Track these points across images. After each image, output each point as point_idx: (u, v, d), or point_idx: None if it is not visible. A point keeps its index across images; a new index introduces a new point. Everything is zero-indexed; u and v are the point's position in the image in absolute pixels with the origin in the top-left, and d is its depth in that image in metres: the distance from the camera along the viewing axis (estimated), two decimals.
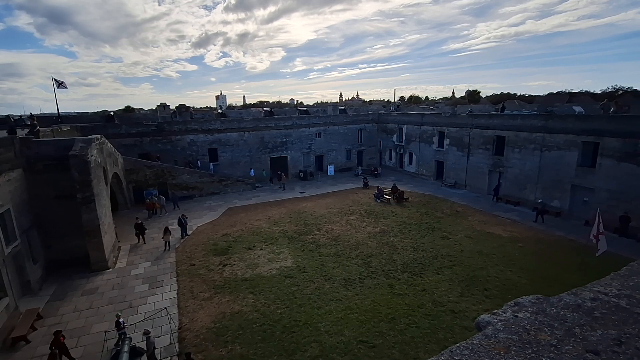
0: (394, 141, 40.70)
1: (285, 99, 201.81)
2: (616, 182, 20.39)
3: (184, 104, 42.27)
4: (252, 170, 34.55)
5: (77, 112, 64.49)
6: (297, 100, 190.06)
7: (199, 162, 33.27)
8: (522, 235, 20.25)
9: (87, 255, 17.38)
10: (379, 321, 12.45)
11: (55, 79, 30.12)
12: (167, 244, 20.28)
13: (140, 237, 21.07)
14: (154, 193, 28.08)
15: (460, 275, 15.66)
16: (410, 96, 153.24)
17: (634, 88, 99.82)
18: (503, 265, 16.60)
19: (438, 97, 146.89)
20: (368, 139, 42.93)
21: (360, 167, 39.73)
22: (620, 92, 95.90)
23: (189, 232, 22.38)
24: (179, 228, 21.82)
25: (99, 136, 20.18)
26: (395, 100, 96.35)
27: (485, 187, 29.19)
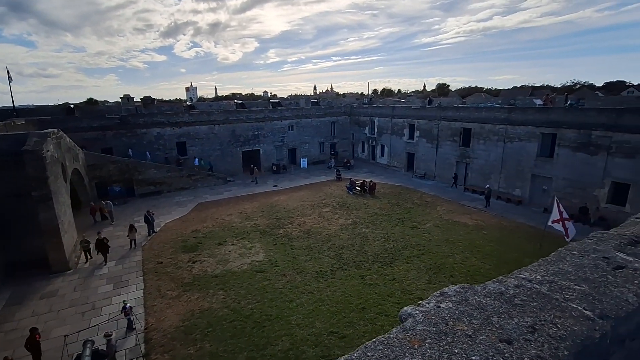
0: (366, 133, 41.08)
1: (258, 91, 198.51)
2: (572, 171, 21.67)
3: (150, 96, 40.54)
4: (197, 159, 33.14)
5: (35, 105, 60.16)
6: (271, 93, 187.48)
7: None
8: (486, 223, 21.14)
9: (47, 256, 16.40)
10: (349, 311, 12.62)
11: (8, 71, 27.86)
12: (133, 242, 19.50)
13: (102, 255, 17.72)
14: (116, 189, 26.87)
15: (428, 264, 16.15)
16: (383, 89, 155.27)
17: (590, 82, 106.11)
18: (468, 252, 17.27)
19: (410, 90, 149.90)
20: (341, 131, 43.06)
21: (333, 160, 39.85)
22: (578, 86, 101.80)
23: (157, 229, 21.62)
24: (146, 225, 21.04)
25: (55, 130, 18.92)
26: (369, 93, 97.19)
27: (453, 178, 30.13)
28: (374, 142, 40.18)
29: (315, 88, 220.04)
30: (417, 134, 33.74)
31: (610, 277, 1.58)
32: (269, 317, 12.47)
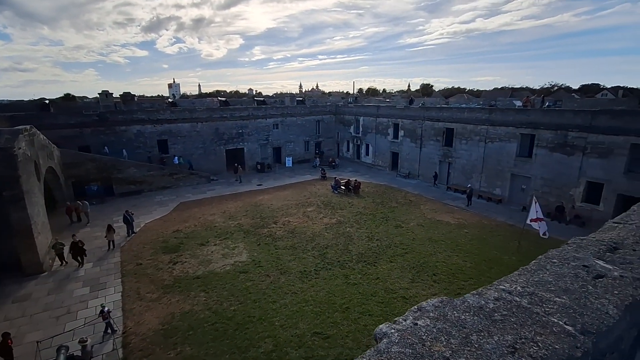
0: (351, 132, 41.17)
1: (243, 88, 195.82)
2: (549, 171, 22.31)
3: (129, 92, 39.28)
4: (176, 157, 32.47)
5: (9, 100, 57.32)
6: (256, 91, 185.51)
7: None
8: (468, 222, 21.51)
9: (20, 258, 15.69)
10: (333, 312, 12.58)
11: None
12: (111, 243, 18.90)
13: (78, 258, 16.87)
14: (94, 189, 26.00)
15: (412, 263, 16.29)
16: (369, 88, 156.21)
17: (567, 85, 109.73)
18: (450, 250, 17.52)
19: (395, 90, 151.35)
20: (326, 130, 43.02)
21: (318, 159, 39.76)
22: (556, 88, 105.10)
23: (136, 229, 21.02)
24: (125, 225, 20.42)
25: (28, 127, 18.09)
26: (354, 92, 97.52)
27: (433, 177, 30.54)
28: (358, 141, 40.31)
29: (300, 86, 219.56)
30: (401, 133, 34.04)
31: (591, 287, 1.55)
32: (251, 318, 12.29)
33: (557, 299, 1.44)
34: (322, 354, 10.56)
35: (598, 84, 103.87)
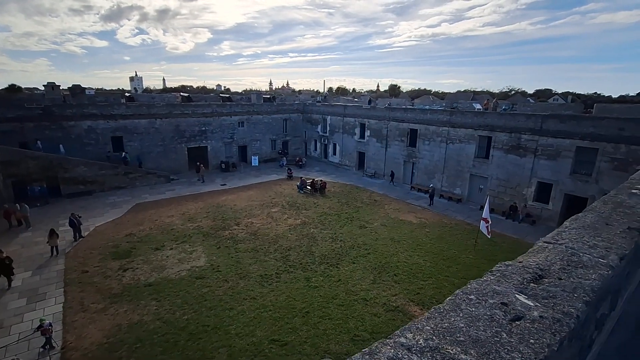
0: (318, 132, 40.99)
1: (211, 84, 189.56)
2: (504, 171, 23.32)
3: (79, 85, 36.49)
4: (124, 153, 29.95)
5: None
6: (225, 87, 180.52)
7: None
8: (429, 221, 21.99)
9: None
10: (293, 317, 12.24)
11: None
12: (54, 249, 17.37)
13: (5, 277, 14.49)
14: (37, 189, 23.90)
15: (374, 263, 16.31)
16: (338, 87, 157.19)
17: (523, 89, 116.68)
18: (412, 250, 17.76)
19: (365, 90, 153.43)
20: (293, 129, 42.54)
21: (285, 158, 39.21)
22: (513, 92, 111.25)
23: (84, 233, 19.51)
24: (71, 229, 18.86)
25: None
26: (324, 91, 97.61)
27: (401, 177, 31.08)
28: (326, 141, 40.22)
29: (271, 83, 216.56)
30: (367, 133, 34.31)
31: (505, 334, 1.31)
32: (206, 327, 11.66)
33: (463, 356, 1.18)
34: None
35: (550, 89, 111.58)
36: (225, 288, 14.06)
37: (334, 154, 39.36)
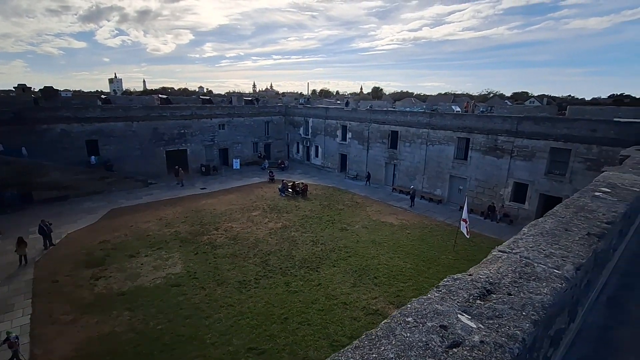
0: (300, 134, 40.79)
1: (193, 86, 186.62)
2: (482, 172, 23.74)
3: (52, 87, 35.01)
4: (93, 157, 28.88)
5: None
6: (207, 89, 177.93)
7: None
8: (410, 222, 22.11)
9: None
10: (271, 324, 11.98)
11: None
12: (23, 257, 16.58)
13: None
14: (7, 195, 22.75)
15: (355, 266, 16.22)
16: (321, 90, 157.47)
17: (501, 92, 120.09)
18: (393, 252, 17.78)
19: (348, 92, 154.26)
20: (276, 131, 42.18)
21: (267, 161, 38.80)
22: (491, 95, 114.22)
23: (56, 241, 18.67)
24: (41, 237, 18.00)
25: None
26: (307, 94, 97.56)
27: (383, 179, 31.22)
28: (308, 143, 40.05)
29: (254, 86, 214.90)
30: (349, 135, 34.34)
31: None
32: (180, 337, 11.26)
33: None
34: None
35: (527, 92, 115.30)
36: (202, 295, 13.66)
37: (317, 156, 39.24)
